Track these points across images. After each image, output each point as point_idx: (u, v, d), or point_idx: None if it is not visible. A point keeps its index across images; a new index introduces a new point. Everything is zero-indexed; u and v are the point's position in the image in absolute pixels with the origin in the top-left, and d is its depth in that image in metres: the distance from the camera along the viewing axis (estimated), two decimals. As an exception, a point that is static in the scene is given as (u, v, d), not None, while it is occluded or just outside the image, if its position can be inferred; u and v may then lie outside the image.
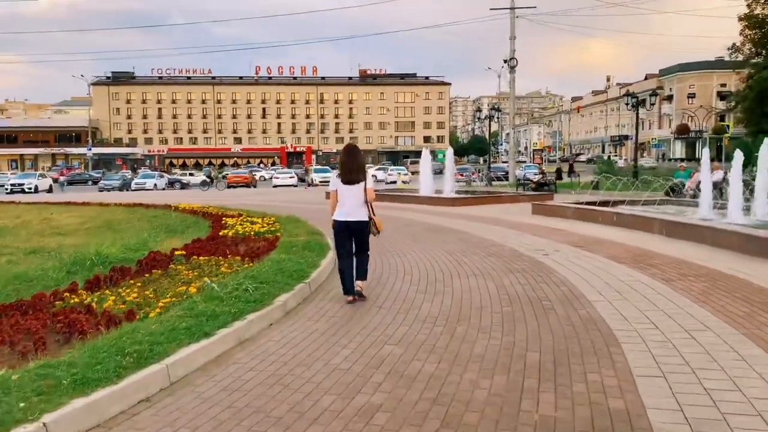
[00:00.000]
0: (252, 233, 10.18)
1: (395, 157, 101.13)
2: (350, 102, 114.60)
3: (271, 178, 51.62)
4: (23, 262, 8.89)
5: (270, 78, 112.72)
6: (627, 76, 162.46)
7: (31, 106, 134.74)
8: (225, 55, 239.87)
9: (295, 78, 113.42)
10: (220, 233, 10.20)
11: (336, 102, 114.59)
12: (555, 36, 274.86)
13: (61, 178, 60.58)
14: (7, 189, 40.60)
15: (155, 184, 44.00)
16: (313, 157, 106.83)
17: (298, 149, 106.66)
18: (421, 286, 7.27)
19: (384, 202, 21.64)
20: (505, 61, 30.51)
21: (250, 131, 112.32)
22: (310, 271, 7.40)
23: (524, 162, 59.52)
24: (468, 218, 15.34)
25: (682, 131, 78.43)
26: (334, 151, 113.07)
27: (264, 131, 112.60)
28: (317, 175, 48.59)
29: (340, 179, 6.47)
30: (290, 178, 47.44)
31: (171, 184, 47.74)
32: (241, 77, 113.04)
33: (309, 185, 46.11)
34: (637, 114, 24.88)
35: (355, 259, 6.56)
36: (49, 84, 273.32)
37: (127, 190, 43.03)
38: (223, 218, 12.31)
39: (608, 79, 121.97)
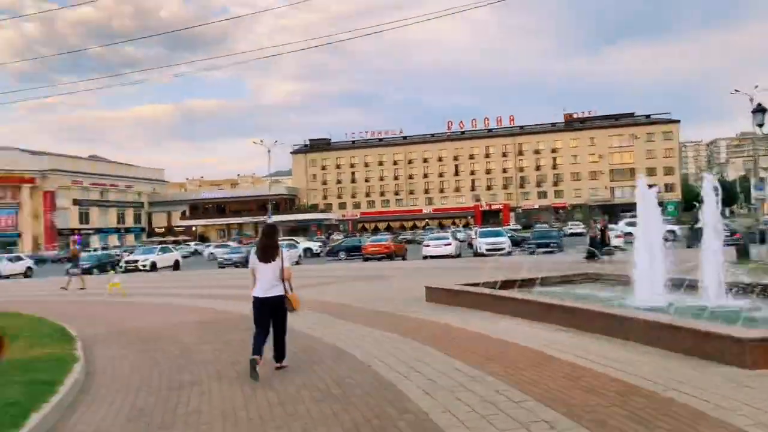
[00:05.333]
0: None
1: (612, 210, 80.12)
2: (553, 151, 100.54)
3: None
4: None
5: (462, 132, 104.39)
6: None
7: (258, 178, 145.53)
8: (418, 115, 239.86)
9: (490, 130, 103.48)
10: None
11: (537, 152, 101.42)
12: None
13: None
14: None
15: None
16: (512, 215, 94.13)
17: (494, 207, 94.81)
18: None
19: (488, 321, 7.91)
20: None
21: (441, 190, 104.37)
22: None
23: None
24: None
25: None
26: (536, 207, 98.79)
27: (457, 189, 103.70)
28: (484, 239, 34.31)
29: (257, 257, 6.76)
30: (446, 245, 33.48)
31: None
32: (432, 134, 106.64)
33: (475, 254, 33.50)
34: None
35: (273, 340, 6.79)
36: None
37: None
38: None
39: None
